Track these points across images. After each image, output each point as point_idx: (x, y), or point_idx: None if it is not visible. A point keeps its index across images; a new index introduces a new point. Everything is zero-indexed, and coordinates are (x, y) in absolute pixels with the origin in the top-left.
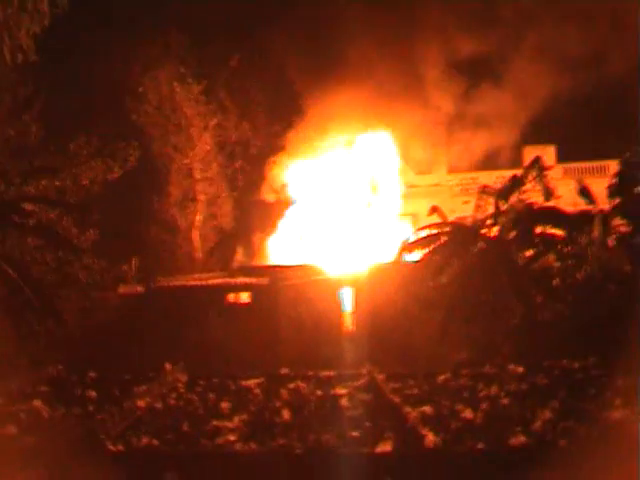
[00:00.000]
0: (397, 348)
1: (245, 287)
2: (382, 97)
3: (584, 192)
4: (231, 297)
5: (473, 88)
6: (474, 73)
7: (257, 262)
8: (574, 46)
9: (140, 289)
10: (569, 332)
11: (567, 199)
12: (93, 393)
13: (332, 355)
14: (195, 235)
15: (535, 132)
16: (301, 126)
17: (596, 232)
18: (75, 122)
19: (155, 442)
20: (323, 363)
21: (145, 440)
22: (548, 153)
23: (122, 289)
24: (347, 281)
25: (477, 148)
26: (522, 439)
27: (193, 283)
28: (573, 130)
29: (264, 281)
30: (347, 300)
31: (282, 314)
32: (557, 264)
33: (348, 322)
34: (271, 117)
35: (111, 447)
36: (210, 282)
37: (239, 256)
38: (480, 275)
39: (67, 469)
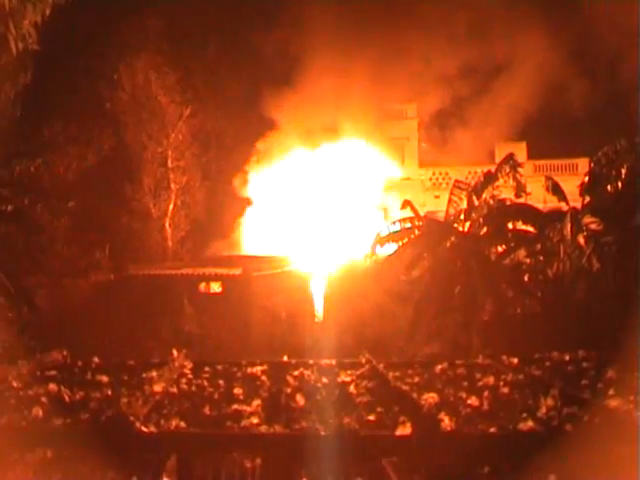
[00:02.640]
0: (368, 340)
1: (217, 277)
2: (356, 91)
3: (555, 189)
4: (202, 287)
5: (447, 85)
6: (449, 72)
7: (229, 252)
8: (548, 47)
9: (112, 277)
10: (539, 327)
11: (537, 196)
12: (105, 378)
13: (301, 346)
14: (167, 224)
15: (506, 129)
16: (276, 117)
17: (567, 230)
18: (50, 108)
19: (183, 424)
20: (294, 353)
21: (174, 422)
22: (519, 150)
23: (94, 277)
24: (319, 273)
25: (448, 143)
26: (530, 424)
27: (165, 272)
28: (544, 128)
29: (236, 271)
30: (319, 292)
31: (253, 304)
32: (528, 260)
33: (320, 313)
34: (246, 107)
35: (143, 429)
36: (182, 271)
37: (211, 246)
38: (452, 269)
39: (104, 449)
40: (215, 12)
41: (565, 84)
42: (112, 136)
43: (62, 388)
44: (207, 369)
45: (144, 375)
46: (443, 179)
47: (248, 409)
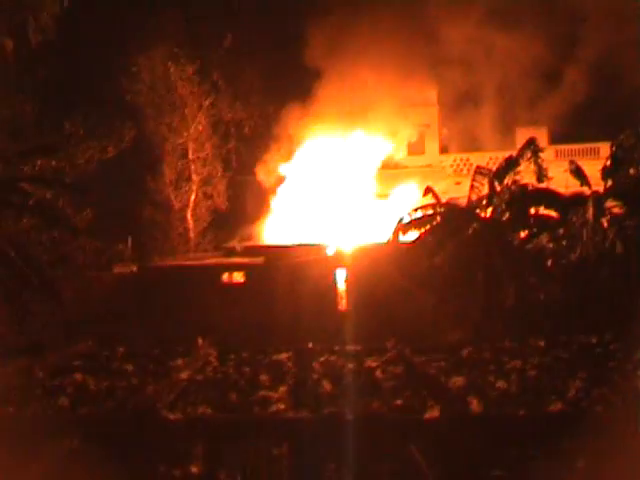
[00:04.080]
0: (392, 327)
1: (240, 267)
2: (374, 78)
3: (578, 173)
4: (225, 277)
5: (466, 69)
6: (466, 55)
7: (252, 242)
8: (567, 29)
9: (135, 269)
10: (563, 312)
11: (559, 181)
12: (130, 367)
13: (326, 333)
14: (189, 215)
15: (527, 114)
16: (295, 107)
17: (590, 214)
18: (70, 101)
19: (209, 411)
20: (319, 341)
21: (200, 409)
22: (540, 134)
23: (117, 269)
24: (342, 261)
25: (469, 129)
26: (559, 406)
27: (188, 263)
28: (565, 112)
29: (259, 261)
30: (342, 280)
31: (277, 293)
32: (551, 245)
33: (343, 301)
34: (265, 97)
35: (170, 416)
36: (205, 262)
37: (233, 236)
38: (474, 256)
39: (131, 437)
40: (231, 2)
41: (587, 68)
42: (132, 128)
43: (87, 378)
44: (232, 357)
45: (170, 363)
46: (464, 165)
47: (275, 395)
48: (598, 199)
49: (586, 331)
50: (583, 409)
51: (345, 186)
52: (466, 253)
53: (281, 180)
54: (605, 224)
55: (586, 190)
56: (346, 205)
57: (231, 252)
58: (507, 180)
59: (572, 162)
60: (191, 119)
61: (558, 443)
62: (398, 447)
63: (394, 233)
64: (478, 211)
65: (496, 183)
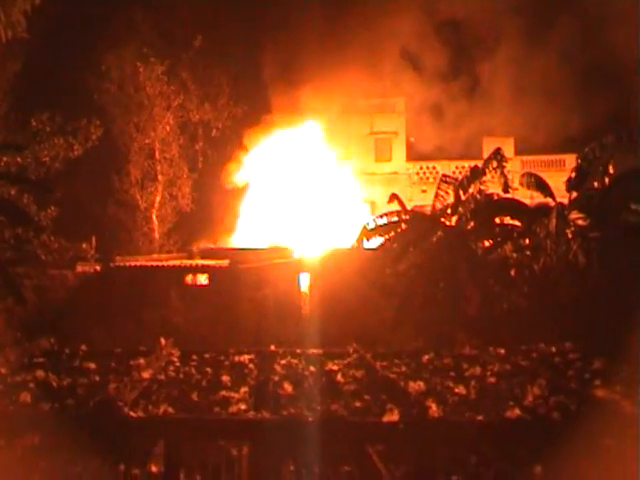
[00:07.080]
0: (354, 332)
1: (204, 269)
2: (342, 84)
3: (539, 185)
4: (189, 279)
5: (434, 77)
6: (436, 64)
7: (217, 244)
8: (535, 40)
9: (98, 268)
10: (526, 321)
11: (524, 191)
12: (92, 365)
13: (289, 337)
14: (154, 215)
15: (493, 124)
16: (262, 109)
17: (553, 225)
18: (37, 98)
19: (171, 410)
20: (282, 344)
21: (162, 408)
22: (507, 145)
23: (80, 267)
24: (306, 265)
25: (436, 137)
26: (517, 412)
27: (151, 263)
28: (531, 123)
29: (223, 263)
30: (305, 284)
31: (241, 296)
32: (515, 255)
33: (306, 306)
34: (233, 100)
35: (131, 414)
36: (169, 263)
37: (199, 238)
38: (438, 264)
39: (92, 434)
40: (202, 3)
41: (553, 79)
42: (99, 127)
43: (50, 374)
44: (195, 357)
45: (132, 362)
46: (430, 173)
47: (236, 396)
48: (562, 211)
49: (546, 340)
50: (540, 416)
51: (312, 190)
52: (430, 261)
53: (247, 183)
54: (569, 235)
55: (551, 201)
56: (312, 209)
57: (195, 254)
58: (472, 189)
59: (530, 174)
60: (159, 119)
61: (515, 449)
62: (356, 449)
63: (358, 239)
64: (443, 219)
65: (461, 192)
